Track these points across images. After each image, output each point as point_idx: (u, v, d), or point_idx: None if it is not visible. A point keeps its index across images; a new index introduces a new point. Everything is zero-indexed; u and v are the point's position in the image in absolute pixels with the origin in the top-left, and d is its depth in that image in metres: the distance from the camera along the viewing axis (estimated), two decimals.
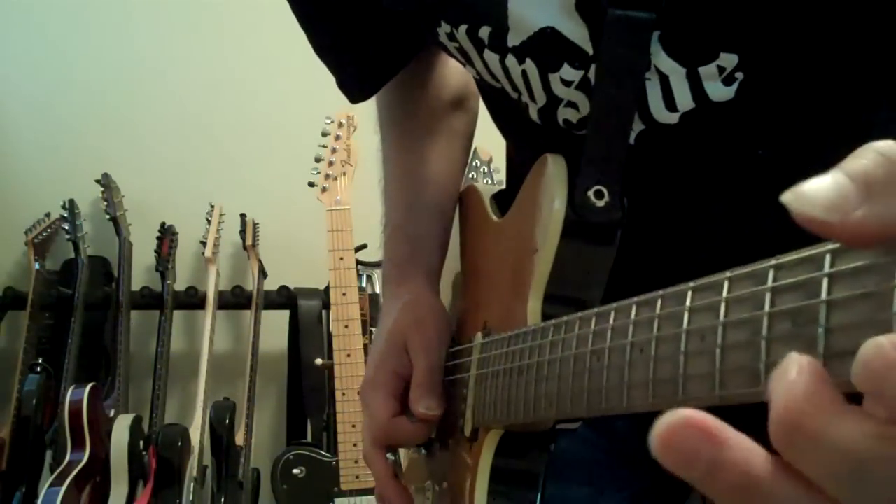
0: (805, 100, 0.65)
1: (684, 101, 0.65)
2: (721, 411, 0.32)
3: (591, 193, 0.65)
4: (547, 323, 0.60)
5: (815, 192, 0.28)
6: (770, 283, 0.31)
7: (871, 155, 0.29)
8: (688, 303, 0.37)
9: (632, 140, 0.68)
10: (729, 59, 0.63)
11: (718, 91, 0.64)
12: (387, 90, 0.98)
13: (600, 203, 0.65)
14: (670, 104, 0.65)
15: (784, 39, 0.63)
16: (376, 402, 0.84)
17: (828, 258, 0.28)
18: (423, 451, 0.90)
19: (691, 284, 0.37)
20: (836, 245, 0.28)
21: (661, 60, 0.64)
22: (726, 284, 0.34)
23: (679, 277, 0.68)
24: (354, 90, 0.97)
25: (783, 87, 0.64)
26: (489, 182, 2.46)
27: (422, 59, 0.96)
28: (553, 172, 0.67)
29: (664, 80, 0.65)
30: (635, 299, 0.43)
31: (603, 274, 0.66)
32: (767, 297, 0.31)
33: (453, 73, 0.98)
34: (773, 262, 0.32)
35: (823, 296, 0.27)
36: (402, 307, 0.86)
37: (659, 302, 0.40)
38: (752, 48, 0.63)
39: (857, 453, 0.26)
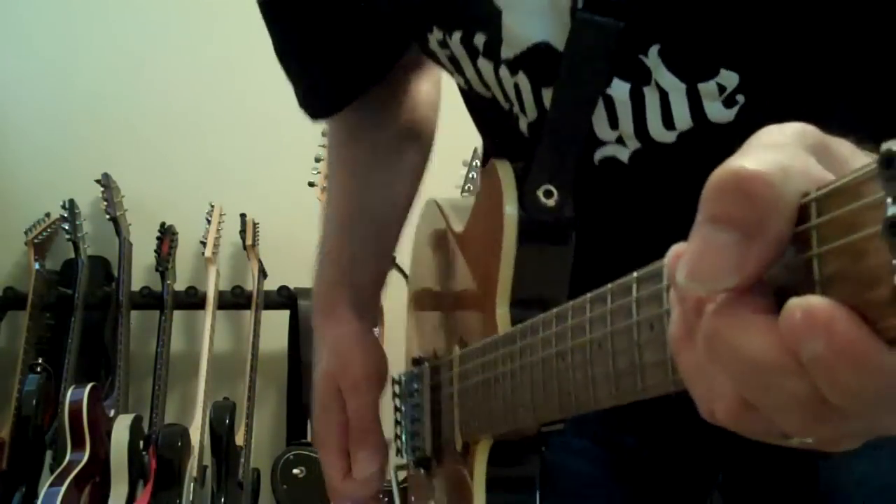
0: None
1: (683, 119, 0.64)
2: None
3: (539, 193, 0.65)
4: (514, 329, 0.60)
5: (706, 269, 0.30)
6: None
7: (717, 196, 0.31)
8: (634, 293, 0.37)
9: (625, 159, 0.67)
10: (729, 78, 0.62)
11: (718, 113, 0.63)
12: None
13: (550, 202, 0.65)
14: (668, 122, 0.64)
15: (786, 60, 0.62)
16: (326, 463, 0.84)
17: None
18: (423, 470, 0.90)
19: (635, 274, 0.38)
20: None
21: (662, 75, 0.63)
22: (666, 271, 0.34)
23: None
24: (320, 105, 0.92)
25: (784, 112, 0.64)
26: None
27: (385, 82, 0.91)
28: (501, 177, 0.67)
29: (664, 97, 0.64)
30: (589, 295, 0.44)
31: (564, 274, 0.66)
32: None
33: (414, 104, 0.95)
34: None
35: None
36: (329, 351, 0.85)
37: (609, 296, 0.40)
38: (752, 67, 0.62)
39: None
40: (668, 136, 0.65)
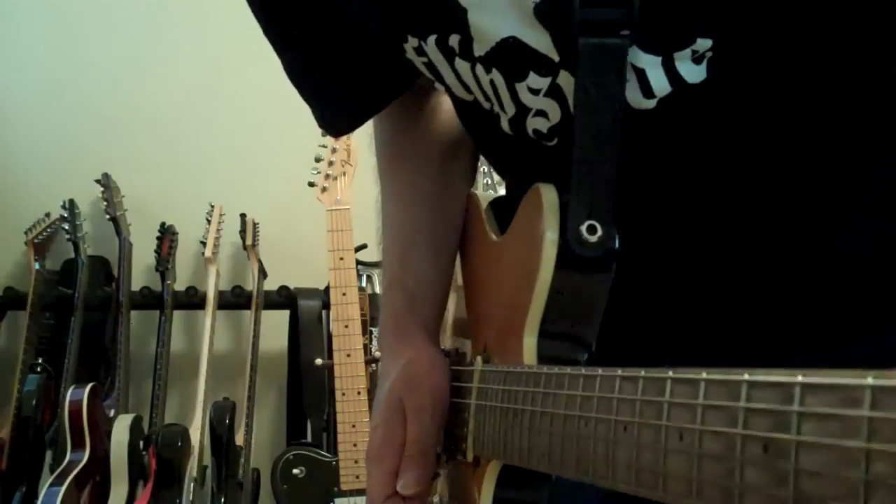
0: (780, 80, 0.64)
1: (661, 86, 0.64)
2: None
3: (583, 229, 0.63)
4: (539, 370, 0.59)
5: None
6: (743, 400, 0.31)
7: None
8: (667, 395, 0.37)
9: None
10: (704, 44, 0.62)
11: (691, 71, 0.63)
12: (385, 125, 0.93)
13: (593, 239, 0.63)
14: (647, 92, 0.64)
15: (759, 20, 0.62)
16: (374, 478, 0.82)
17: (797, 391, 0.28)
18: None
19: (671, 373, 0.37)
20: (807, 379, 0.28)
21: (636, 58, 0.63)
22: (702, 386, 0.34)
23: (669, 294, 0.66)
24: (338, 122, 0.92)
25: (756, 66, 0.64)
26: (489, 182, 2.46)
27: (426, 93, 0.91)
28: (545, 206, 0.66)
29: (640, 73, 0.64)
30: (619, 372, 0.43)
31: (599, 306, 0.64)
32: (741, 414, 0.30)
33: (451, 113, 0.92)
34: (746, 375, 0.31)
35: (794, 433, 0.27)
36: (400, 367, 0.84)
37: (641, 383, 0.40)
38: (727, 32, 0.62)
39: None
40: (648, 104, 0.65)
